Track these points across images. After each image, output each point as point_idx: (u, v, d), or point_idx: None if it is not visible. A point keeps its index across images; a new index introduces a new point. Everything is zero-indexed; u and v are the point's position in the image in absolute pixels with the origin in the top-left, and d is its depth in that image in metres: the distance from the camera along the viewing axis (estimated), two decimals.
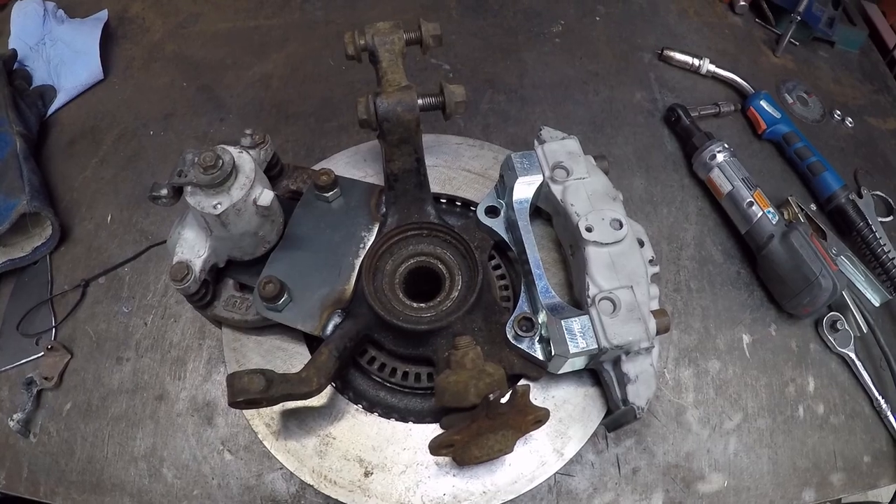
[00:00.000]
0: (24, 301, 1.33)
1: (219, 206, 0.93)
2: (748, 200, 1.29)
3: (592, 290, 0.97)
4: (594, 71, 1.55)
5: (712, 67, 1.52)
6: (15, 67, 1.56)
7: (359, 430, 1.01)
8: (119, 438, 1.20)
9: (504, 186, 1.09)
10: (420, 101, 0.99)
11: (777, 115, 1.44)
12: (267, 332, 1.08)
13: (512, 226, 1.08)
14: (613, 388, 1.00)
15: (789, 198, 1.36)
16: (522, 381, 1.03)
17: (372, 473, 0.98)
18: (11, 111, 1.43)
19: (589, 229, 1.00)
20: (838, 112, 1.54)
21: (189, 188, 0.95)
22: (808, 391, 1.25)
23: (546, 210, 1.11)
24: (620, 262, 1.00)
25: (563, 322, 0.94)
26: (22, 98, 1.49)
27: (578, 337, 0.94)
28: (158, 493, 1.16)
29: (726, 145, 1.34)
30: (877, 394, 1.24)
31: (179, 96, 1.53)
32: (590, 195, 1.04)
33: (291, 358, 1.06)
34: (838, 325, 1.27)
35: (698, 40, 1.63)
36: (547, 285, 1.00)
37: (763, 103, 1.45)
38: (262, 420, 1.02)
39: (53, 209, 1.35)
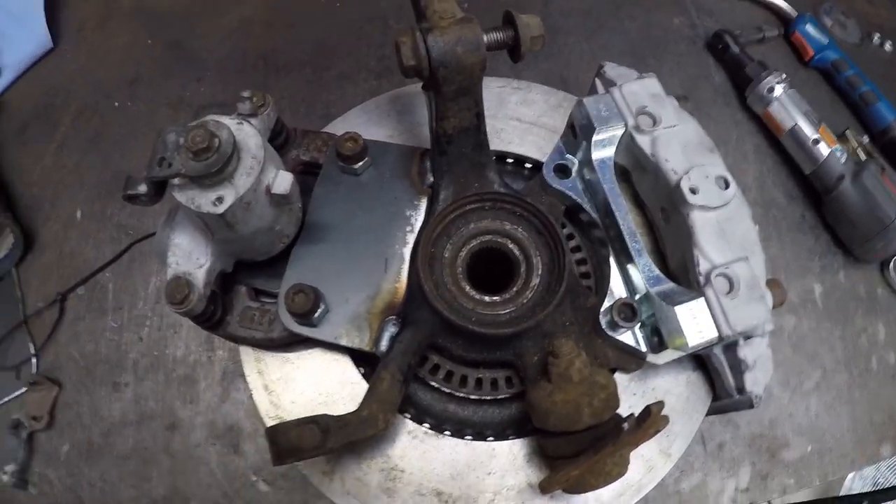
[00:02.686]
0: None
1: (220, 202, 0.61)
2: (814, 138, 1.04)
3: (704, 266, 0.70)
4: None
5: None
6: None
7: (430, 456, 0.73)
8: (132, 480, 0.90)
9: (575, 139, 0.79)
10: (486, 38, 0.67)
11: (824, 40, 1.18)
12: (297, 346, 0.77)
13: (591, 187, 0.78)
14: (725, 375, 0.76)
15: (847, 131, 1.11)
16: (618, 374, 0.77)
17: None
18: None
19: (694, 191, 0.72)
20: (878, 35, 1.28)
21: (176, 180, 0.62)
22: (879, 340, 1.06)
23: (623, 165, 0.82)
24: (730, 229, 0.73)
25: (677, 310, 0.67)
26: None
27: (697, 325, 0.67)
28: None
29: (784, 76, 1.07)
30: None
31: (145, 57, 1.14)
32: (684, 147, 0.75)
33: (344, 372, 0.75)
34: None
35: None
36: (649, 262, 0.72)
37: (809, 27, 1.18)
38: (314, 465, 0.73)
39: (12, 212, 1.00)
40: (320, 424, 0.60)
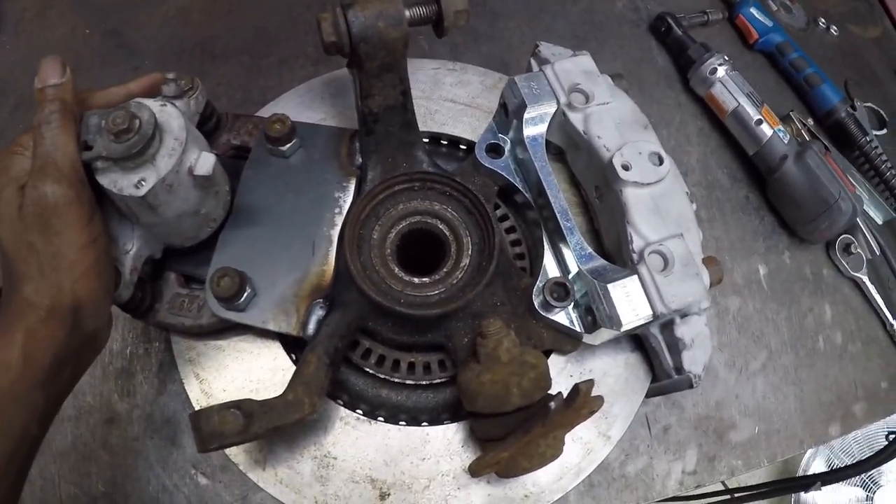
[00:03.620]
0: None
1: (142, 183, 0.59)
2: (756, 118, 1.02)
3: (637, 243, 0.69)
4: None
5: None
6: None
7: (363, 442, 0.71)
8: (71, 477, 0.85)
9: (507, 118, 0.77)
10: (407, 13, 0.64)
11: (769, 23, 1.17)
12: (229, 333, 0.74)
13: (523, 166, 0.76)
14: (663, 355, 0.74)
15: (791, 113, 1.11)
16: (554, 356, 0.75)
17: (389, 495, 0.69)
18: None
19: (626, 167, 0.70)
20: (822, 20, 1.27)
21: (98, 164, 0.60)
22: (826, 320, 1.04)
23: (557, 144, 0.80)
24: (665, 206, 0.72)
25: (609, 287, 0.66)
26: None
27: (631, 304, 0.66)
28: None
29: (726, 57, 1.06)
30: (889, 317, 1.05)
31: (83, 46, 1.09)
32: (617, 124, 0.73)
33: (275, 358, 0.73)
34: (851, 249, 1.06)
35: None
36: (581, 241, 0.70)
37: (753, 10, 1.17)
38: (245, 454, 0.71)
39: None
40: (243, 409, 0.57)
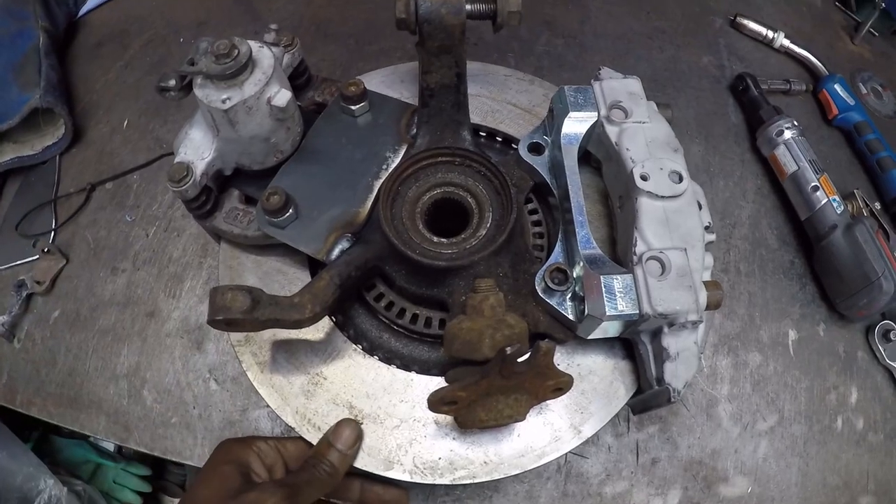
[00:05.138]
0: (27, 201, 1.16)
1: (228, 100, 0.75)
2: (813, 185, 1.07)
3: (640, 248, 0.77)
4: (661, 28, 1.33)
5: (786, 42, 1.29)
6: None
7: (354, 372, 0.81)
8: (103, 353, 1.03)
9: (553, 122, 0.88)
10: (468, 6, 0.78)
11: (851, 101, 1.22)
12: (269, 251, 0.88)
13: (556, 167, 0.87)
14: (649, 363, 0.80)
15: (855, 191, 1.13)
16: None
17: (362, 423, 0.78)
18: (40, 6, 1.26)
19: (644, 178, 0.79)
20: None
21: (199, 79, 0.76)
22: (850, 402, 1.04)
23: (597, 156, 0.90)
24: (675, 221, 0.79)
25: (602, 278, 0.74)
26: None
27: (618, 298, 0.73)
28: (135, 416, 0.99)
29: (795, 122, 1.12)
30: None
31: (216, 5, 1.33)
32: (648, 142, 0.82)
33: (291, 283, 0.86)
34: (891, 336, 1.06)
35: (774, 13, 1.39)
36: (588, 235, 0.79)
37: (837, 87, 1.22)
38: (249, 349, 0.82)
39: (69, 108, 1.18)
40: (253, 294, 0.69)
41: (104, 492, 1.48)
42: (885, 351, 1.06)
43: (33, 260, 1.09)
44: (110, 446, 1.55)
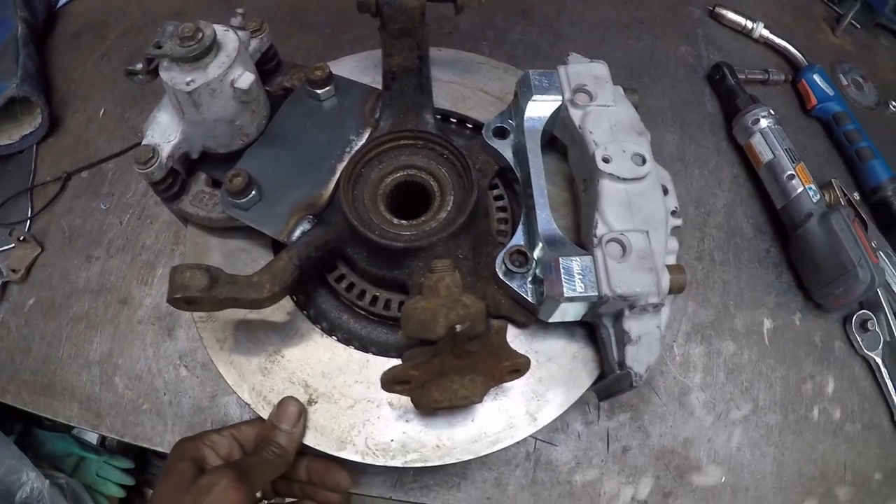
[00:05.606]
0: (3, 190, 1.17)
1: (192, 83, 0.76)
2: (789, 173, 1.07)
3: (601, 230, 0.77)
4: (639, 18, 1.34)
5: (765, 33, 1.30)
6: None
7: (311, 352, 0.81)
8: (76, 340, 1.04)
9: (518, 107, 0.89)
10: None
11: (830, 92, 1.22)
12: (233, 234, 0.88)
13: (520, 151, 0.87)
14: (611, 347, 0.80)
15: (833, 180, 1.14)
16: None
17: (316, 402, 0.79)
18: None
19: (606, 160, 0.79)
20: (894, 103, 1.31)
21: (164, 62, 0.78)
22: (827, 392, 1.04)
23: (562, 140, 0.90)
24: (638, 203, 0.79)
25: (561, 260, 0.74)
26: None
27: (577, 279, 0.74)
28: (107, 403, 1.00)
29: (772, 111, 1.12)
30: None
31: None
32: (612, 125, 0.83)
33: (254, 263, 0.86)
34: (868, 326, 1.06)
35: (753, 4, 1.39)
36: (549, 216, 0.80)
37: (816, 77, 1.23)
38: (212, 329, 0.83)
39: (47, 98, 1.19)
40: (212, 273, 0.70)
41: (87, 485, 1.49)
42: (862, 341, 1.06)
43: (9, 248, 1.10)
44: (93, 439, 1.57)
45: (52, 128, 1.21)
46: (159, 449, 0.98)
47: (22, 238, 1.10)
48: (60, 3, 1.37)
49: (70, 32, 1.33)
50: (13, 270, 1.08)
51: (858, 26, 1.43)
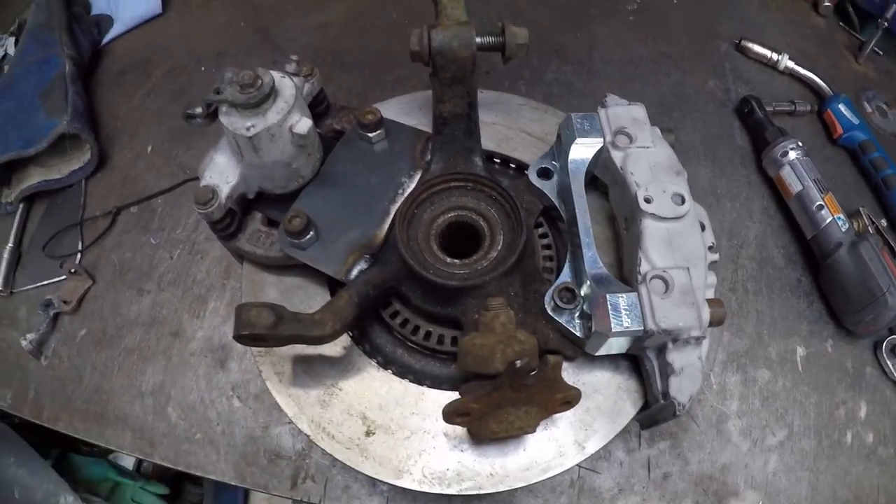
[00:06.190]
0: (54, 223, 1.24)
1: (252, 128, 0.82)
2: (818, 203, 1.13)
3: (644, 267, 0.83)
4: (667, 53, 1.40)
5: (791, 64, 1.36)
6: None
7: (368, 385, 0.87)
8: (129, 371, 1.10)
9: (561, 148, 0.95)
10: (478, 39, 0.85)
11: (855, 121, 1.28)
12: (289, 271, 0.95)
13: (564, 191, 0.93)
14: (654, 378, 0.86)
15: (860, 209, 1.19)
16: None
17: (374, 433, 0.84)
18: (66, 35, 1.36)
19: (648, 200, 0.85)
20: None
21: (224, 107, 0.84)
22: (859, 417, 1.09)
23: (603, 180, 0.96)
24: (678, 241, 0.85)
25: (608, 296, 0.80)
26: (78, 24, 1.41)
27: (623, 315, 0.79)
28: (160, 432, 1.06)
29: (800, 143, 1.18)
30: None
31: (235, 35, 1.43)
32: (652, 166, 0.89)
33: (311, 299, 0.93)
34: None
35: (778, 35, 1.46)
36: (595, 256, 0.86)
37: (842, 107, 1.28)
38: (271, 362, 0.89)
39: (95, 134, 1.27)
40: (277, 311, 0.76)
41: None
42: (893, 366, 1.10)
43: (60, 280, 1.17)
44: (129, 464, 1.63)
45: (101, 163, 1.28)
46: (212, 477, 1.03)
47: (73, 270, 1.16)
48: (105, 41, 1.44)
49: (115, 70, 1.41)
50: (65, 301, 1.14)
51: (881, 53, 1.48)
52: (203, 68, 1.38)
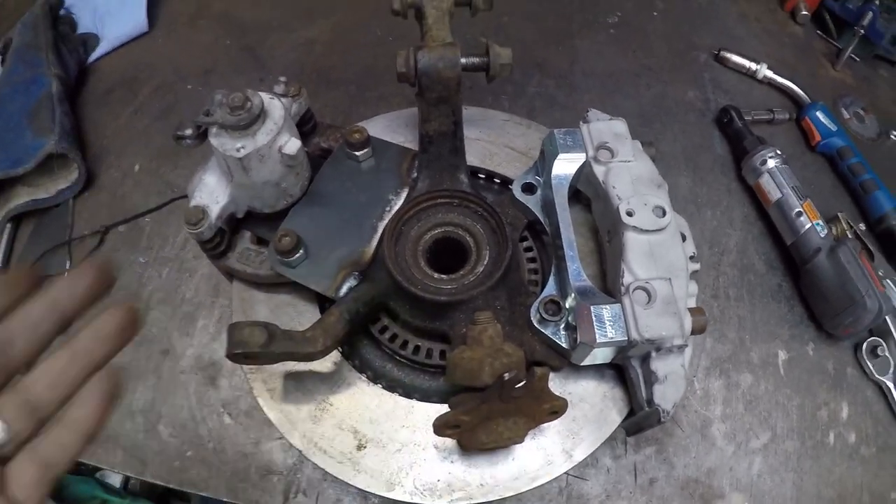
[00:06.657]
0: (42, 243, 1.25)
1: (242, 149, 0.85)
2: (797, 210, 1.17)
3: (627, 279, 0.87)
4: (647, 65, 1.45)
5: (769, 73, 1.41)
6: (61, 13, 1.50)
7: (358, 399, 0.90)
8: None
9: (544, 163, 0.99)
10: (463, 60, 0.89)
11: (833, 127, 1.32)
12: (279, 289, 0.98)
13: (548, 205, 0.97)
14: (639, 386, 0.89)
15: (839, 214, 1.23)
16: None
17: (365, 447, 0.87)
18: (52, 54, 1.38)
19: (630, 213, 0.89)
20: (894, 133, 1.42)
21: (214, 128, 0.87)
22: (841, 417, 1.13)
23: (586, 194, 1.00)
24: (660, 252, 0.89)
25: (592, 308, 0.84)
26: (64, 43, 1.43)
27: (608, 326, 0.83)
28: (152, 451, 1.07)
29: (778, 151, 1.22)
30: None
31: (222, 54, 1.45)
32: (633, 179, 0.93)
33: (301, 316, 0.96)
34: (878, 351, 1.14)
35: (756, 45, 1.50)
36: (579, 268, 0.90)
37: (819, 114, 1.33)
38: (262, 379, 0.92)
39: (82, 153, 1.28)
40: (269, 329, 0.79)
41: None
42: (873, 366, 1.14)
43: None
44: (116, 482, 1.64)
45: (88, 182, 1.29)
46: (205, 494, 1.05)
47: None
48: (91, 60, 1.46)
49: (102, 89, 1.43)
50: None
51: (858, 59, 1.53)
52: (189, 86, 1.41)
